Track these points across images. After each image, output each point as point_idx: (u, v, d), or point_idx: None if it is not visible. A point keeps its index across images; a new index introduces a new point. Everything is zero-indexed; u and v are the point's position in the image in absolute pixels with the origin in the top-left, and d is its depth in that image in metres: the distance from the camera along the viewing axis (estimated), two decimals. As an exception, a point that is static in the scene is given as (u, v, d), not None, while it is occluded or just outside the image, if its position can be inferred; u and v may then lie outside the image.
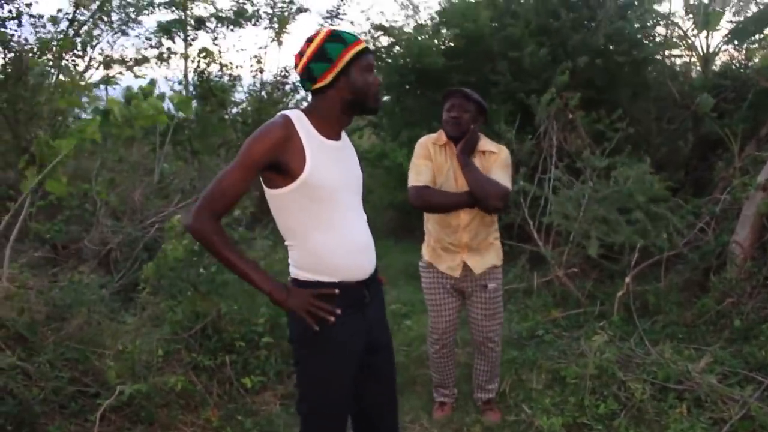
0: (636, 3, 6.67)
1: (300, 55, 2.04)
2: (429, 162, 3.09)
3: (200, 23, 9.08)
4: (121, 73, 10.23)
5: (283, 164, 1.96)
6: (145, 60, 9.75)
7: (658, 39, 7.23)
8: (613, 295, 4.80)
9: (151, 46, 9.36)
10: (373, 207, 8.84)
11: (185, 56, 10.19)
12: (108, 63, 9.99)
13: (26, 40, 8.41)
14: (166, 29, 9.14)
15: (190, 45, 10.07)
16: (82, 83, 9.11)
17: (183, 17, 9.32)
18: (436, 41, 7.11)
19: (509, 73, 6.40)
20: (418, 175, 3.06)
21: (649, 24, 6.83)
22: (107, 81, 9.72)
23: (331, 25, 9.59)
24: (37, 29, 8.43)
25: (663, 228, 4.79)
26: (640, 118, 6.46)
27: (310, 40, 2.03)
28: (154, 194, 6.41)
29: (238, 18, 9.71)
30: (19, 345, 3.20)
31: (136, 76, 10.43)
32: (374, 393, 2.26)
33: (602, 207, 4.82)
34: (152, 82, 10.64)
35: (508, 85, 6.44)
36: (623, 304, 4.65)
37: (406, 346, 4.43)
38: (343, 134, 2.15)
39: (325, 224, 2.02)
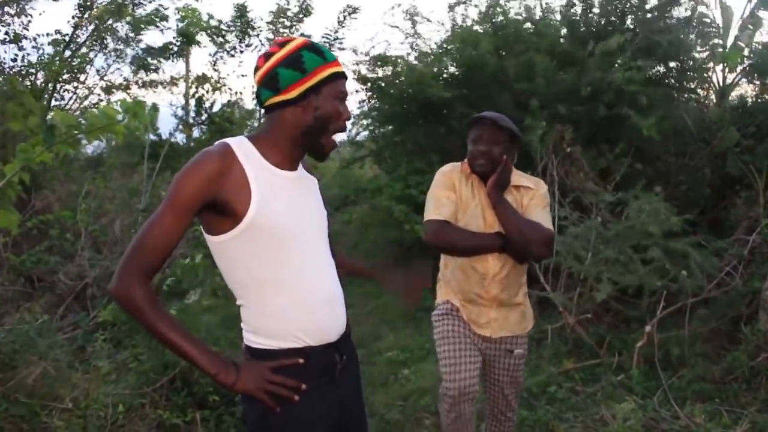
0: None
1: (265, 57, 1.65)
2: (452, 194, 2.57)
3: (186, 37, 8.78)
4: (123, 99, 9.96)
5: (222, 203, 1.55)
6: (151, 84, 9.42)
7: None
8: (631, 343, 4.37)
9: (145, 70, 9.03)
10: (372, 243, 8.48)
11: (186, 80, 9.93)
12: (109, 89, 9.70)
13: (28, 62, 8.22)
14: (158, 51, 8.84)
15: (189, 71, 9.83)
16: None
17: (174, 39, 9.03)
18: (436, 70, 6.77)
19: (513, 106, 6.01)
20: (438, 207, 2.55)
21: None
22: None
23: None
24: (38, 50, 8.23)
25: (684, 266, 4.35)
26: (658, 154, 6.07)
27: (281, 45, 1.65)
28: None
29: (243, 35, 9.44)
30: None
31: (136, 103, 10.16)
32: None
33: (614, 245, 4.41)
34: (155, 108, 10.40)
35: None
36: (643, 355, 4.23)
37: (402, 400, 3.95)
38: (300, 165, 1.74)
39: (282, 275, 1.61)
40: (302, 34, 9.91)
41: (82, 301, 5.00)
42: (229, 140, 1.63)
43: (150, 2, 8.86)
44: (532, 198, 2.57)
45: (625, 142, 5.52)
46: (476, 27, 7.11)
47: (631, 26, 6.43)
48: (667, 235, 4.35)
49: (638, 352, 4.20)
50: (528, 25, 6.82)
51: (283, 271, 1.61)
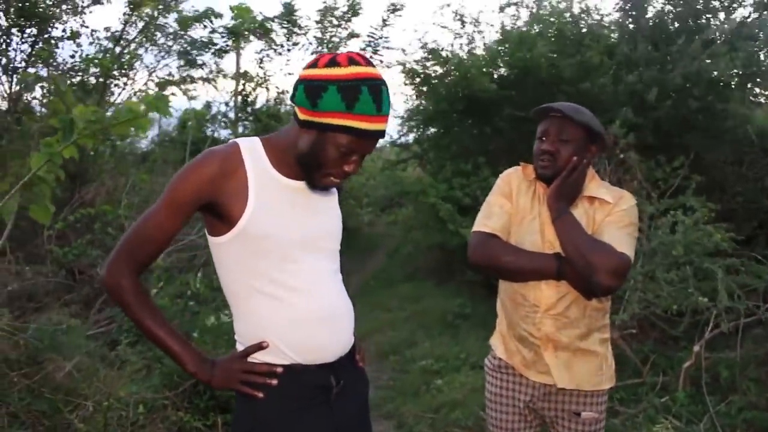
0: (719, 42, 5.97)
1: (316, 62, 1.47)
2: (507, 203, 2.10)
3: (235, 35, 8.81)
4: (173, 94, 10.07)
5: (219, 206, 1.48)
6: (201, 80, 9.52)
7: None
8: (678, 363, 4.14)
9: (191, 66, 9.11)
10: (415, 246, 8.36)
11: (236, 77, 9.99)
12: (163, 84, 9.83)
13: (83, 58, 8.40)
14: (202, 46, 8.90)
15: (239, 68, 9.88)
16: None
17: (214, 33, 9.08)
18: (487, 69, 6.61)
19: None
20: (487, 217, 2.09)
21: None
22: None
23: (373, 51, 9.19)
24: (95, 47, 8.40)
25: (706, 291, 4.05)
26: (715, 163, 5.77)
27: (331, 63, 1.44)
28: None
29: (290, 34, 9.45)
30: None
31: (189, 98, 10.27)
32: None
33: (646, 261, 4.16)
34: (207, 106, 10.50)
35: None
36: (690, 377, 3.99)
37: (433, 412, 3.82)
38: None
39: (270, 288, 1.52)
40: (350, 34, 9.86)
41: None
42: (241, 140, 1.55)
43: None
44: (609, 214, 2.01)
45: (682, 152, 5.26)
46: (529, 28, 6.94)
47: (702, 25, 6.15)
48: (711, 253, 4.07)
49: (685, 373, 3.96)
50: (582, 26, 6.63)
51: (272, 283, 1.51)
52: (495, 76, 6.79)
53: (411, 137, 8.20)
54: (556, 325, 2.01)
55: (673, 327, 4.39)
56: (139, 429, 2.95)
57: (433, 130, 7.51)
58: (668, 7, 6.34)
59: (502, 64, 6.91)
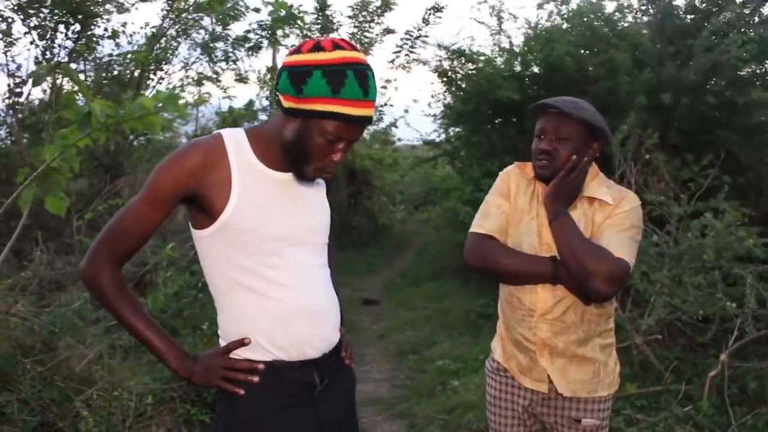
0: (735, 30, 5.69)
1: (300, 47, 1.43)
2: (504, 203, 2.03)
3: (270, 32, 8.84)
4: (209, 93, 10.13)
5: (201, 199, 1.46)
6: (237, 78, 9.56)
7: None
8: (703, 371, 4.00)
9: (227, 61, 9.17)
10: (441, 244, 8.30)
11: (272, 72, 10.01)
12: (200, 80, 9.91)
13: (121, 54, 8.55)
14: (237, 42, 8.95)
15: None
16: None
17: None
18: (519, 69, 6.50)
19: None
20: (484, 218, 2.03)
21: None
22: (199, 100, 9.63)
23: (411, 49, 9.12)
24: (131, 42, 8.54)
25: (734, 296, 3.87)
26: (751, 164, 5.54)
27: (316, 48, 1.41)
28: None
29: (324, 30, 9.43)
30: (-6, 378, 2.85)
31: (226, 96, 10.33)
32: None
33: (673, 265, 4.01)
34: (250, 104, 10.55)
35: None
36: (716, 386, 3.84)
37: (446, 413, 3.77)
38: None
39: (253, 282, 1.48)
40: (386, 30, 9.81)
41: (143, 287, 5.10)
42: (224, 132, 1.52)
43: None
44: (609, 216, 1.91)
45: (712, 151, 5.07)
46: (559, 25, 6.81)
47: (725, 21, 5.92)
48: (742, 258, 3.90)
49: (710, 382, 3.82)
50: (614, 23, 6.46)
51: (255, 277, 1.48)
52: (528, 74, 6.68)
53: (443, 135, 8.16)
54: (552, 330, 1.94)
55: (700, 333, 4.24)
56: (147, 420, 2.96)
57: (462, 128, 7.42)
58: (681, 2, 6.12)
59: (530, 63, 6.79)
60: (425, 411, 3.81)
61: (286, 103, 1.43)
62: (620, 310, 4.32)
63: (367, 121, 1.44)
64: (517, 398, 2.06)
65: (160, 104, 2.71)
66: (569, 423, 2.01)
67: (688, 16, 6.14)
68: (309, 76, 1.38)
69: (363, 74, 1.39)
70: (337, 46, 1.41)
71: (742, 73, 5.11)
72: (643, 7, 6.53)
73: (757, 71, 5.64)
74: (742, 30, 5.36)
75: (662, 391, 3.99)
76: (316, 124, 1.40)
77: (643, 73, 5.40)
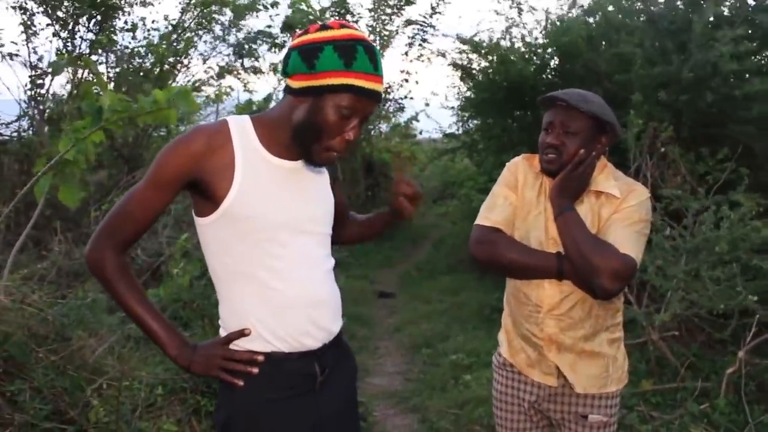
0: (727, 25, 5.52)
1: (306, 30, 1.46)
2: (512, 194, 1.98)
3: (289, 29, 8.83)
4: (231, 87, 10.12)
5: (204, 184, 1.45)
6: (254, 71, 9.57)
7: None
8: (720, 369, 3.93)
9: (248, 57, 9.19)
10: (458, 237, 8.26)
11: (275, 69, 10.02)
12: (222, 73, 9.93)
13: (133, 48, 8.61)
14: (253, 39, 8.96)
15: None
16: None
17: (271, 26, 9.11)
18: (529, 56, 6.43)
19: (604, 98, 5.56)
20: (490, 210, 1.98)
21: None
22: (219, 94, 9.66)
23: (422, 40, 9.06)
24: (148, 38, 8.60)
25: (757, 289, 3.77)
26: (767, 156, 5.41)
27: (324, 27, 1.44)
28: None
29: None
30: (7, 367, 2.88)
31: (246, 90, 10.35)
32: None
33: (690, 259, 3.93)
34: (268, 98, 10.57)
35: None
36: (734, 383, 3.77)
37: (458, 408, 3.75)
38: None
39: (254, 271, 1.48)
40: (407, 21, 9.76)
41: (159, 278, 5.13)
42: (230, 118, 1.52)
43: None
44: (617, 210, 1.87)
45: (729, 145, 4.96)
46: (573, 15, 6.73)
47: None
48: (759, 249, 3.80)
49: (727, 379, 3.75)
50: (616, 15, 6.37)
51: (256, 266, 1.47)
52: (538, 63, 6.61)
53: (462, 128, 8.12)
54: (560, 326, 1.92)
55: (719, 330, 4.17)
56: (157, 410, 2.98)
57: (480, 120, 7.37)
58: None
59: (544, 50, 6.71)
60: (437, 405, 3.80)
61: (297, 83, 1.43)
62: (636, 305, 4.26)
63: (378, 96, 1.45)
64: (523, 393, 2.04)
65: (172, 99, 2.73)
66: (576, 419, 1.98)
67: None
68: (321, 51, 1.39)
69: (371, 50, 1.42)
70: (343, 25, 1.44)
71: (739, 68, 4.95)
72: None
73: (762, 61, 5.48)
74: (736, 21, 5.19)
75: (678, 388, 3.93)
76: (330, 100, 1.40)
77: (640, 71, 5.32)
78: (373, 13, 9.67)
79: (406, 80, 10.09)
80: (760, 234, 3.71)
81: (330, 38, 1.40)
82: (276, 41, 9.43)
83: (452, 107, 7.95)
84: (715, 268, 3.86)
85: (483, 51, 6.75)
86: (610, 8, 6.16)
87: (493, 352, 2.18)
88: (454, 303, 6.13)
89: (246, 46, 9.00)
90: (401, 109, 10.93)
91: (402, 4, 9.44)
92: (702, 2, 5.55)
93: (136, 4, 8.45)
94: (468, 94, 7.39)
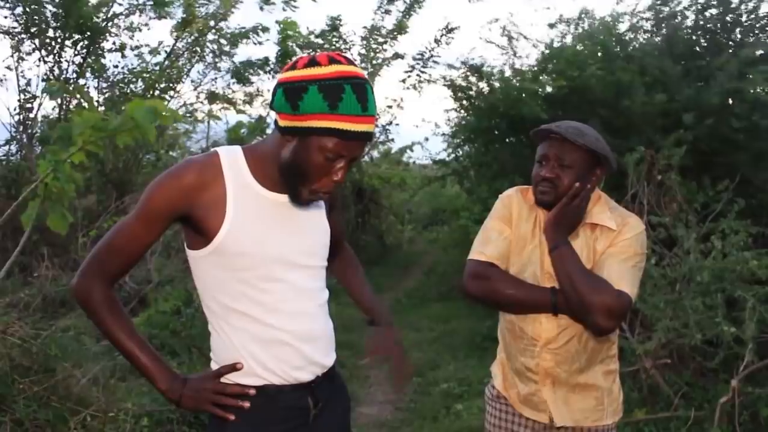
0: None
1: (294, 64, 1.39)
2: (506, 228, 1.95)
3: (286, 57, 8.86)
4: (225, 107, 10.11)
5: (195, 219, 1.42)
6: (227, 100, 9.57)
7: None
8: (713, 397, 3.89)
9: (243, 83, 9.19)
10: (449, 264, 8.23)
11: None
12: (211, 98, 9.92)
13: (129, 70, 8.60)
14: (246, 67, 8.97)
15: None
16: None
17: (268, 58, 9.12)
18: (537, 88, 6.48)
19: (605, 126, 5.62)
20: (484, 244, 1.95)
21: None
22: (210, 116, 9.64)
23: (422, 69, 9.09)
24: (140, 59, 8.59)
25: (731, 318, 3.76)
26: (764, 186, 5.47)
27: (311, 63, 1.36)
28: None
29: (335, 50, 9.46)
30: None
31: (238, 112, 10.34)
32: None
33: (685, 288, 3.93)
34: (260, 119, 10.57)
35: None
36: (727, 413, 3.74)
37: (449, 438, 3.70)
38: None
39: (246, 307, 1.45)
40: (396, 54, 9.79)
41: (147, 305, 5.07)
42: (221, 150, 1.49)
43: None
44: (612, 244, 1.85)
45: (725, 173, 5.00)
46: (576, 44, 6.80)
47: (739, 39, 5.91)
48: (748, 281, 3.80)
49: (720, 408, 3.72)
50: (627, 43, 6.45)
51: (248, 302, 1.45)
52: (541, 94, 6.67)
53: (452, 155, 8.13)
54: (556, 359, 1.89)
55: (710, 358, 4.14)
56: (143, 442, 2.91)
57: (471, 147, 7.39)
58: (701, 22, 6.11)
59: (548, 83, 6.76)
60: (428, 435, 3.74)
61: (283, 122, 1.39)
62: (629, 333, 4.23)
63: (367, 136, 1.38)
64: (517, 427, 2.01)
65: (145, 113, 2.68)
66: None
67: (695, 36, 6.12)
68: (305, 92, 1.33)
69: (361, 88, 1.35)
70: (333, 60, 1.37)
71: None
72: (653, 27, 6.51)
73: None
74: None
75: (672, 417, 3.89)
76: (315, 142, 1.35)
77: (657, 96, 5.38)
78: (365, 42, 9.69)
79: (390, 106, 10.08)
80: (748, 266, 3.71)
81: (315, 77, 1.33)
82: (272, 69, 9.45)
83: (443, 134, 7.95)
84: (695, 299, 3.85)
85: (481, 77, 6.78)
86: (607, 41, 6.25)
87: (485, 381, 2.15)
88: (445, 331, 6.09)
89: (242, 72, 8.98)
90: (387, 135, 10.83)
91: (396, 33, 9.48)
92: (721, 28, 5.71)
93: (122, 27, 8.45)
94: (463, 120, 7.41)
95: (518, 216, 1.97)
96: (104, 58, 8.35)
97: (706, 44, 6.12)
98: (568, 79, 6.14)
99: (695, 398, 4.04)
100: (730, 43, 6.06)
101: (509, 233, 1.96)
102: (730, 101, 5.51)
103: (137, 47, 8.60)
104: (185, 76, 9.07)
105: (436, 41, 9.20)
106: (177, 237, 5.82)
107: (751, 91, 5.20)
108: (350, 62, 1.39)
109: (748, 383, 3.88)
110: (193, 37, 8.95)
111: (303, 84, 1.33)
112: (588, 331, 1.85)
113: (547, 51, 6.86)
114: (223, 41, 9.00)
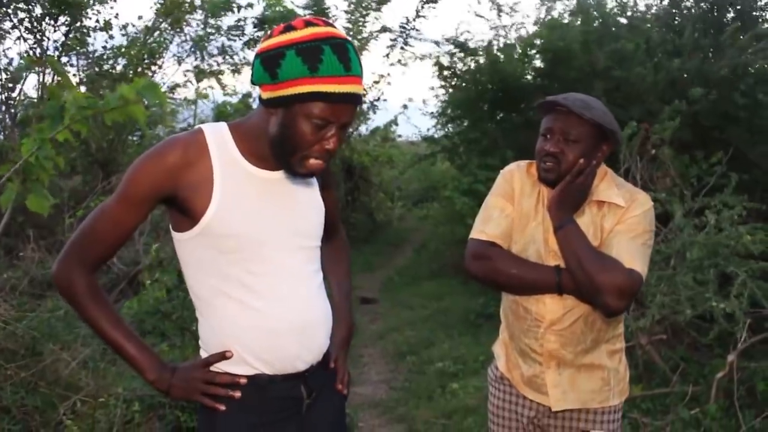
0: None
1: (269, 35, 1.32)
2: (508, 205, 1.87)
3: (262, 24, 8.69)
4: (211, 87, 9.93)
5: (180, 201, 1.34)
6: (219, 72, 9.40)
7: None
8: (710, 373, 3.88)
9: (224, 55, 9.03)
10: (440, 241, 8.19)
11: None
12: (199, 75, 9.72)
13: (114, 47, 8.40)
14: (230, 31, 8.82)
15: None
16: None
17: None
18: (521, 57, 6.40)
19: (604, 97, 5.56)
20: (485, 222, 1.87)
21: None
22: (199, 95, 9.46)
23: (404, 43, 8.96)
24: (127, 38, 8.40)
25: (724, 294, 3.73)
26: (759, 161, 5.43)
27: (287, 29, 1.29)
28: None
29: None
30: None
31: (226, 93, 10.16)
32: None
33: (680, 264, 3.90)
34: (248, 95, 10.42)
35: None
36: (724, 388, 3.73)
37: (446, 417, 3.66)
38: None
39: (235, 291, 1.38)
40: (384, 27, 9.63)
41: (136, 286, 4.98)
42: (205, 126, 1.40)
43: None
44: (620, 221, 1.77)
45: (720, 148, 4.96)
46: (566, 19, 6.72)
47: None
48: (742, 256, 3.76)
49: (717, 384, 3.71)
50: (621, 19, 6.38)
51: (237, 285, 1.37)
52: (529, 67, 6.59)
53: (441, 132, 8.06)
54: (561, 341, 1.82)
55: (704, 334, 4.12)
56: (135, 427, 2.85)
57: (461, 123, 7.31)
58: None
59: (536, 56, 6.68)
60: (424, 415, 3.71)
61: (265, 94, 1.31)
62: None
63: (354, 98, 1.30)
64: (522, 409, 1.94)
65: (139, 93, 2.58)
66: None
67: (699, 5, 6.05)
68: (282, 58, 1.25)
69: (342, 48, 1.26)
70: (309, 23, 1.29)
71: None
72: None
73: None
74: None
75: (668, 393, 3.88)
76: (300, 110, 1.27)
77: (669, 63, 5.32)
78: (349, 15, 9.53)
79: (377, 82, 9.95)
80: (742, 240, 3.66)
81: (292, 41, 1.26)
82: (251, 39, 9.27)
83: (431, 112, 7.86)
84: (687, 274, 3.82)
85: (471, 51, 6.68)
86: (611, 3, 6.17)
87: (480, 359, 2.10)
88: (439, 308, 6.06)
89: (224, 46, 8.82)
90: (373, 109, 10.68)
91: (378, 4, 9.32)
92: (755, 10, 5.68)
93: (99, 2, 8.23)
94: (450, 96, 7.33)
95: (521, 192, 1.88)
96: (89, 36, 8.15)
97: (723, 16, 6.06)
98: (552, 50, 6.07)
99: (690, 373, 4.03)
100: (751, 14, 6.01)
101: (511, 210, 1.88)
102: (735, 77, 5.45)
103: (124, 26, 8.42)
104: (165, 51, 8.89)
105: (417, 13, 9.07)
106: (166, 217, 5.73)
107: (756, 67, 5.15)
108: (328, 24, 1.31)
109: (743, 358, 3.87)
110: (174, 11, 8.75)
111: (280, 50, 1.26)
112: (596, 312, 1.78)
113: (535, 26, 6.80)
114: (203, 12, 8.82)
